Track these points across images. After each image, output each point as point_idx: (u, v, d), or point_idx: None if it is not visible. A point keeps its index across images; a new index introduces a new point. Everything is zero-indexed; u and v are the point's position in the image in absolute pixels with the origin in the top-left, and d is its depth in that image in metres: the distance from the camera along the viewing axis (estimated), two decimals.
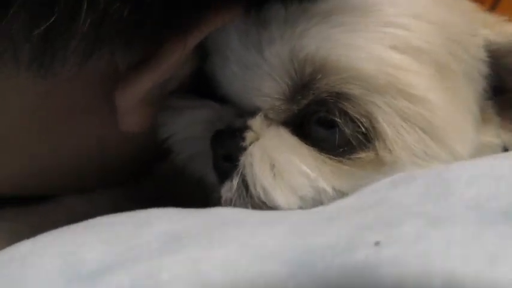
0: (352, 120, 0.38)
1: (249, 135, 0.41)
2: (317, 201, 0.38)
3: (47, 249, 0.31)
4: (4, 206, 0.46)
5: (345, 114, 0.38)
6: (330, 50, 0.38)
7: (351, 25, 0.38)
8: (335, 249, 0.27)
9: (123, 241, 0.31)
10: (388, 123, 0.37)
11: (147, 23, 0.35)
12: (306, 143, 0.40)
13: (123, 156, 0.47)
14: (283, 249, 0.28)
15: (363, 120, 0.38)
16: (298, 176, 0.38)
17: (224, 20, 0.38)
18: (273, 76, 0.40)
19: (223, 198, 0.40)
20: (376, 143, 0.38)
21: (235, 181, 0.40)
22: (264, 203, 0.39)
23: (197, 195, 0.44)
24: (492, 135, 0.42)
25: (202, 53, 0.43)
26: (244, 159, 0.40)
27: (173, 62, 0.39)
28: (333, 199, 0.38)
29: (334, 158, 0.39)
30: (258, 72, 0.40)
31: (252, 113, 0.41)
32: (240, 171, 0.40)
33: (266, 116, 0.41)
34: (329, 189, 0.38)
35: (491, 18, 0.43)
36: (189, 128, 0.44)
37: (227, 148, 0.41)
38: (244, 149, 0.40)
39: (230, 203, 0.40)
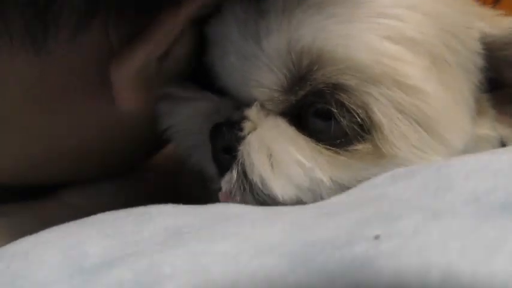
0: (349, 111, 0.37)
1: (247, 125, 0.40)
2: (315, 192, 0.38)
3: (50, 244, 0.31)
4: (5, 199, 0.46)
5: (341, 105, 0.38)
6: (325, 41, 0.37)
7: (346, 16, 0.38)
8: (335, 243, 0.27)
9: (125, 236, 0.31)
10: (383, 114, 0.37)
11: None
12: (304, 134, 0.39)
13: (122, 142, 0.46)
14: (284, 243, 0.28)
15: (359, 111, 0.37)
16: (294, 166, 0.38)
17: None
18: (271, 67, 0.39)
19: (223, 190, 0.40)
20: (374, 134, 0.38)
21: (235, 172, 0.39)
22: (263, 193, 0.38)
23: (197, 190, 0.44)
24: (488, 128, 0.42)
25: (202, 44, 0.43)
26: (242, 148, 0.40)
27: (167, 34, 0.38)
28: (330, 190, 0.38)
29: (331, 148, 0.38)
30: (256, 63, 0.40)
31: (250, 104, 0.41)
32: (239, 161, 0.39)
33: (264, 107, 0.41)
34: (325, 180, 0.38)
35: (487, 11, 0.42)
36: (188, 121, 0.44)
37: (226, 141, 0.40)
38: (243, 138, 0.40)
39: (230, 195, 0.40)
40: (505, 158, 0.32)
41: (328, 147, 0.39)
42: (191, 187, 0.47)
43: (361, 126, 0.38)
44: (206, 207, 0.36)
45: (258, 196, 0.39)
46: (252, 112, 0.41)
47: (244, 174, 0.39)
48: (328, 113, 0.38)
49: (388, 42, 0.37)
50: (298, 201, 0.38)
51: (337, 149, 0.38)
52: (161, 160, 0.54)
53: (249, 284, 0.26)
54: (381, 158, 0.38)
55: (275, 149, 0.39)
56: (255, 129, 0.40)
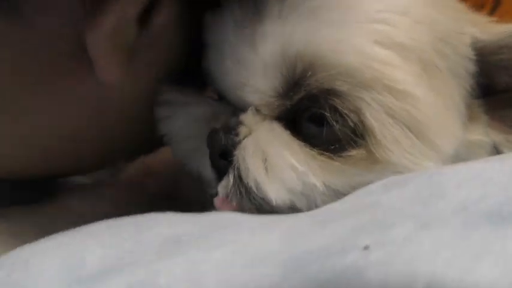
0: (342, 115, 0.37)
1: (242, 130, 0.40)
2: (308, 196, 0.38)
3: (49, 253, 0.31)
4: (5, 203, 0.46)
5: (334, 109, 0.37)
6: (317, 46, 0.37)
7: (338, 21, 0.38)
8: (330, 250, 0.27)
9: (123, 245, 0.31)
10: (375, 119, 0.37)
11: None
12: (298, 139, 0.39)
13: (113, 127, 0.45)
14: (279, 251, 0.28)
15: (352, 115, 0.37)
16: (287, 170, 0.38)
17: None
18: (265, 73, 0.39)
19: (220, 195, 0.40)
20: (367, 139, 0.38)
21: (231, 176, 0.39)
22: (258, 197, 0.38)
23: (197, 195, 0.44)
24: (481, 134, 0.41)
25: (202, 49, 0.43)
26: (237, 153, 0.40)
27: None
28: (324, 196, 0.38)
29: (325, 153, 0.38)
30: (251, 68, 0.40)
31: (246, 109, 0.41)
32: (235, 165, 0.39)
33: (259, 111, 0.41)
34: (319, 184, 0.37)
35: (479, 18, 0.42)
36: (185, 126, 0.44)
37: (223, 146, 0.40)
38: (239, 143, 0.40)
39: (227, 200, 0.40)
40: (498, 166, 0.32)
41: (323, 152, 0.38)
42: (191, 192, 0.47)
43: (354, 131, 0.38)
44: (205, 215, 0.36)
45: (254, 200, 0.39)
46: (248, 117, 0.41)
47: (240, 179, 0.39)
48: (322, 118, 0.38)
49: (378, 47, 0.37)
50: (292, 206, 0.38)
51: (331, 155, 0.38)
52: (161, 167, 0.54)
53: None
54: (375, 164, 0.38)
55: (270, 153, 0.39)
56: (250, 133, 0.40)
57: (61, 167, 0.47)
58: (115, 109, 0.44)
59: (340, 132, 0.38)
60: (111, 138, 0.46)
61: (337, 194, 0.38)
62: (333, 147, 0.38)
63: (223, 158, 0.41)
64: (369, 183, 0.36)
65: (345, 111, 0.37)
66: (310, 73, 0.38)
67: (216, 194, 0.41)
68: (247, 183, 0.38)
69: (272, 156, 0.39)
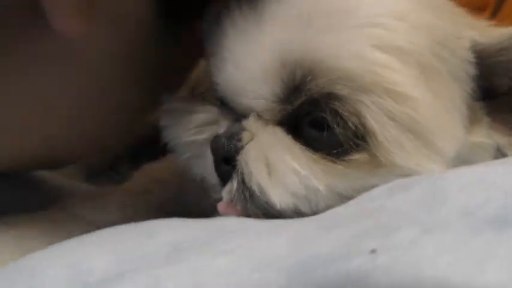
0: (342, 118, 0.37)
1: (245, 136, 0.40)
2: (311, 200, 0.38)
3: (56, 259, 0.31)
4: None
5: (335, 112, 0.37)
6: (317, 51, 0.37)
7: (336, 26, 0.37)
8: (335, 255, 0.27)
9: (129, 251, 0.31)
10: (376, 121, 0.37)
11: None
12: (300, 143, 0.39)
13: (102, 99, 0.45)
14: (286, 256, 0.28)
15: (352, 118, 0.37)
16: (290, 174, 0.38)
17: None
18: (266, 78, 0.39)
19: (224, 200, 0.40)
20: (369, 141, 0.37)
21: (235, 181, 0.39)
22: (262, 201, 0.38)
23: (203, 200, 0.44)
24: (483, 136, 0.41)
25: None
26: (240, 158, 0.40)
27: None
28: (327, 199, 0.37)
29: (327, 157, 0.38)
30: (253, 74, 0.39)
31: (248, 114, 0.41)
32: (239, 170, 0.39)
33: (261, 117, 0.41)
34: (321, 188, 0.37)
35: (478, 22, 0.42)
36: (189, 133, 0.44)
37: (226, 152, 0.40)
38: (241, 148, 0.40)
39: (231, 205, 0.40)
40: (500, 170, 0.32)
41: (325, 156, 0.38)
42: (196, 199, 0.47)
43: (355, 134, 0.37)
44: (212, 220, 0.36)
45: (258, 204, 0.39)
46: (250, 122, 0.41)
47: (243, 183, 0.39)
48: (323, 122, 0.38)
49: (377, 51, 0.37)
50: (296, 210, 0.38)
51: (334, 158, 0.38)
52: (167, 174, 0.54)
53: None
54: (378, 167, 0.37)
55: (272, 158, 0.39)
56: (252, 139, 0.40)
57: (57, 150, 0.46)
58: (93, 73, 0.42)
59: (342, 135, 0.38)
60: (98, 112, 0.45)
61: (340, 198, 0.37)
62: (335, 151, 0.38)
63: (226, 163, 0.41)
64: (372, 187, 0.36)
65: (346, 114, 0.37)
66: (310, 78, 0.37)
67: (221, 199, 0.41)
68: (251, 187, 0.38)
69: (274, 160, 0.38)
